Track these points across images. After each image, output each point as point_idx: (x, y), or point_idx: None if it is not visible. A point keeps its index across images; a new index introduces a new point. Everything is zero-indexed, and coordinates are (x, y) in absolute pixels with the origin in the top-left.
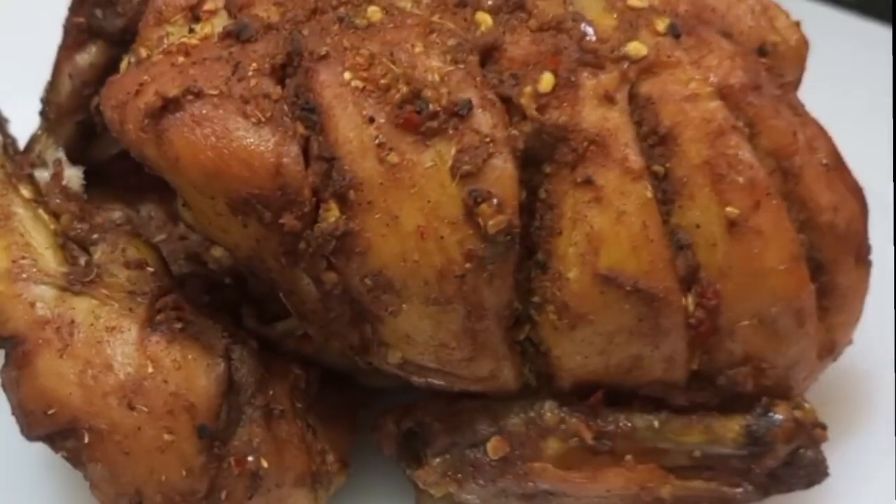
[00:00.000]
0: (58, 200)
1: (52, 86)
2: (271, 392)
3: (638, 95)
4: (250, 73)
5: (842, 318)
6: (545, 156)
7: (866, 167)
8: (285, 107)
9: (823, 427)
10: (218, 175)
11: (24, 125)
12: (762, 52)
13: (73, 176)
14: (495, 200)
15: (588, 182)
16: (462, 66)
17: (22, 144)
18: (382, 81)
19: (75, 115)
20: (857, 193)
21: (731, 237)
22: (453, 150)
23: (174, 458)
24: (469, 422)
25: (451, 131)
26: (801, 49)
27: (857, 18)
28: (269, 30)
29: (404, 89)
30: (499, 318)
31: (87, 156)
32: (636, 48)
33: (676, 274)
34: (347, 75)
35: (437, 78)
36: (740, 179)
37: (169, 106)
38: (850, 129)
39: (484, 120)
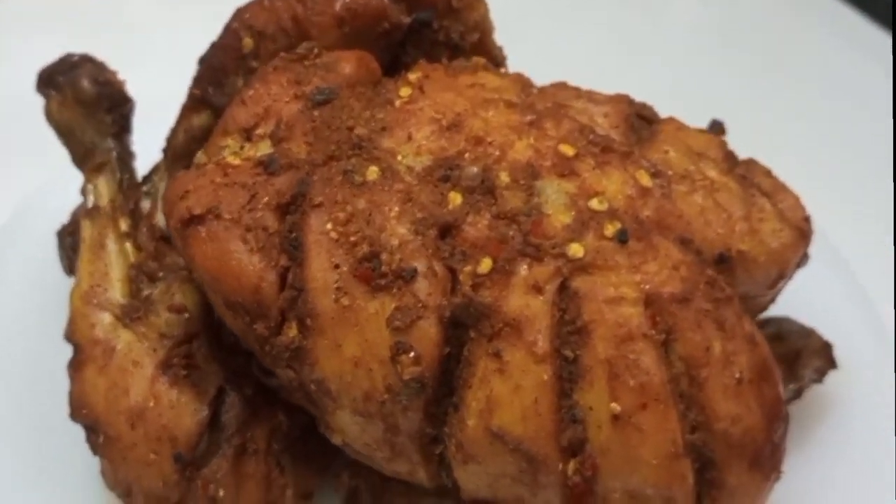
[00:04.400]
0: (143, 238)
1: (173, 133)
2: (250, 434)
3: (568, 288)
4: (260, 206)
5: None
6: (471, 324)
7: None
8: (277, 240)
9: None
10: (217, 281)
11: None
12: (721, 259)
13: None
14: (413, 354)
15: (497, 354)
16: (420, 237)
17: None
18: (352, 238)
19: (184, 161)
20: (769, 408)
21: (613, 426)
22: (392, 306)
23: (155, 472)
24: (389, 500)
25: (394, 290)
26: (784, 253)
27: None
28: (291, 168)
29: (366, 249)
30: (411, 437)
31: None
32: (575, 249)
33: (559, 443)
34: (329, 226)
35: (395, 243)
36: (631, 382)
37: (195, 219)
38: (850, 127)
39: (422, 287)
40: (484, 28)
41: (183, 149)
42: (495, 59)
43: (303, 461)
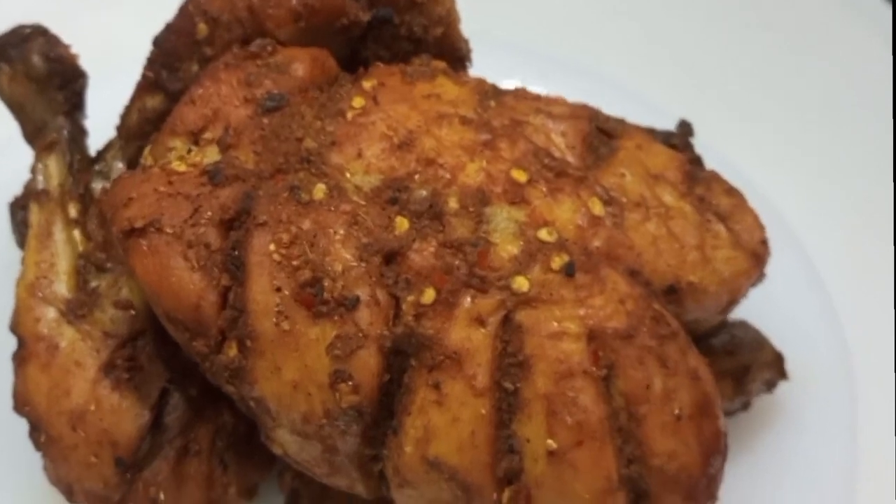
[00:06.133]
0: (93, 225)
1: (127, 111)
2: (193, 435)
3: (512, 321)
4: (203, 221)
5: None
6: (412, 353)
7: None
8: (219, 257)
9: None
10: (157, 295)
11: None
12: (672, 290)
13: None
14: (352, 383)
15: (436, 386)
16: (365, 264)
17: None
18: (295, 262)
19: (137, 141)
20: (707, 443)
21: (549, 461)
22: (333, 334)
23: (96, 475)
24: None
25: (336, 318)
26: (736, 280)
27: None
28: (237, 180)
29: (308, 274)
30: (350, 457)
31: None
32: (519, 283)
33: (495, 474)
34: (272, 247)
35: (339, 269)
36: (568, 420)
37: (136, 231)
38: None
39: (364, 317)
40: (449, 21)
41: (136, 129)
42: (460, 52)
43: (247, 457)
